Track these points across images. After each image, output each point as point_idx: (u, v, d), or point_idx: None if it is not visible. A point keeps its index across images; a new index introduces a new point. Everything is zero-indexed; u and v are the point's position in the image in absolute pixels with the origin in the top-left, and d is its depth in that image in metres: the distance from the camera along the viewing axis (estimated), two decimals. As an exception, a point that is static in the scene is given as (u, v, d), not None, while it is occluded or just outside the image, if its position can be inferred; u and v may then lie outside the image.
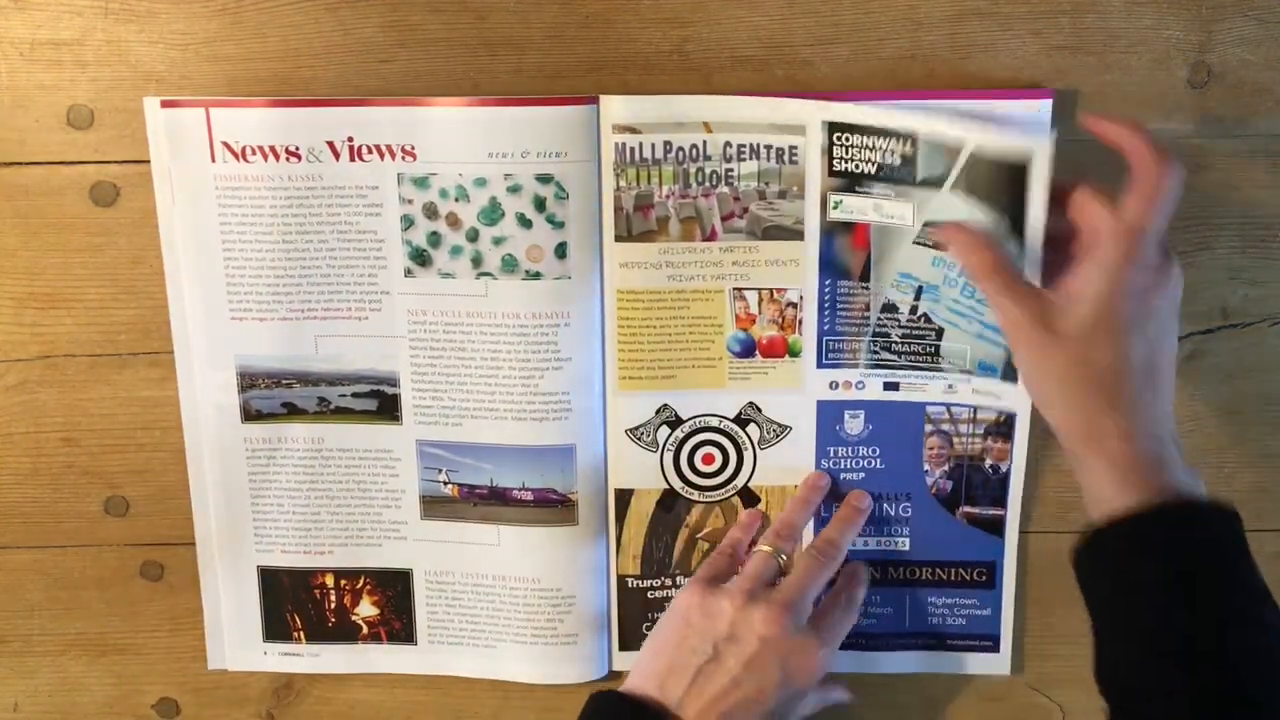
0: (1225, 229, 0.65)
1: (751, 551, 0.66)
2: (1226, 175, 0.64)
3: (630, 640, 0.72)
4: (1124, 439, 0.55)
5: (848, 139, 0.62)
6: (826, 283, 0.66)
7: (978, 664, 0.72)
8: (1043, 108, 0.62)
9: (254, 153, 0.64)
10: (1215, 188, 0.64)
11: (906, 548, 0.70)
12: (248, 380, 0.68)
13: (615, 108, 0.63)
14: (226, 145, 0.64)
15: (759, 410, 0.69)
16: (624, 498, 0.70)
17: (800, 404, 0.68)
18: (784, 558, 0.65)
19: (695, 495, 0.70)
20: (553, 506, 0.69)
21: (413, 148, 0.64)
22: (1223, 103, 0.63)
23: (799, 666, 0.60)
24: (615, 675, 0.73)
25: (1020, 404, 0.66)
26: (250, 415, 0.69)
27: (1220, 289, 0.66)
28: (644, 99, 0.63)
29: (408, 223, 0.65)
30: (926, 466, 0.69)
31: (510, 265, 0.65)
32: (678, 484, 0.70)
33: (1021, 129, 0.61)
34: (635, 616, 0.72)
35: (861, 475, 0.69)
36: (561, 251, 0.65)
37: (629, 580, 0.72)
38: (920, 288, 0.65)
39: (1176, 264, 0.58)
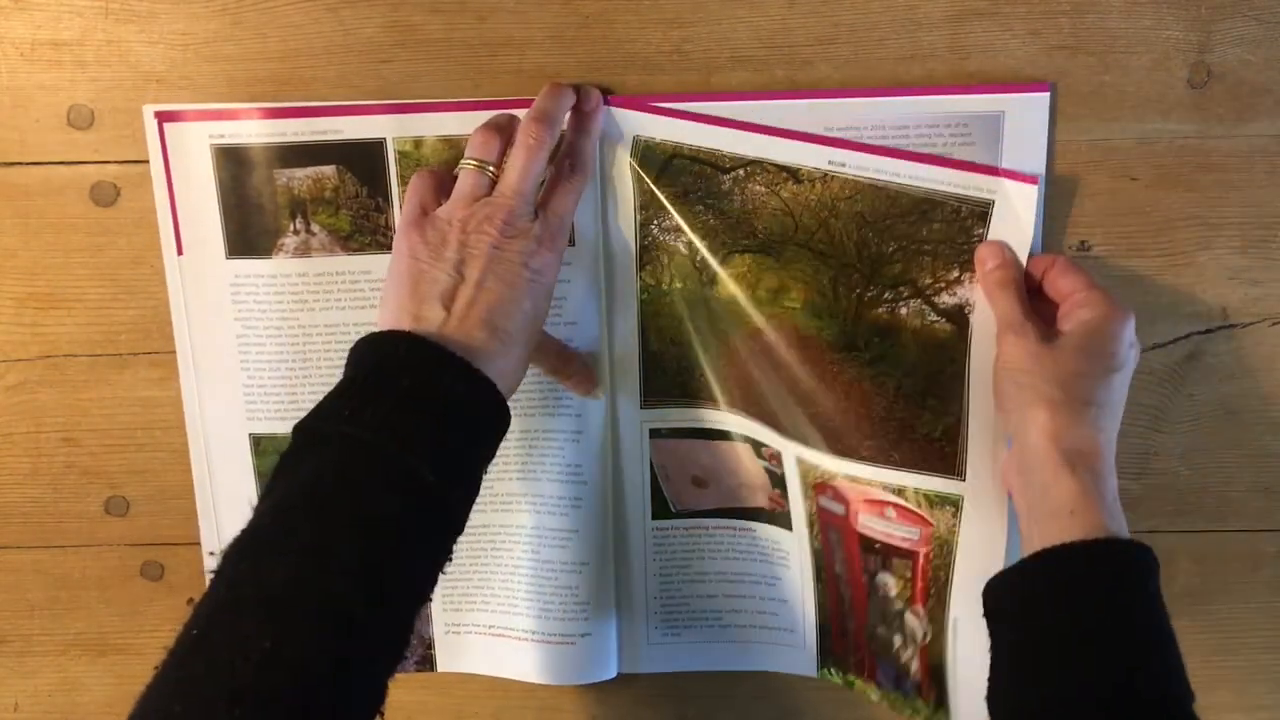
0: (1225, 229, 0.65)
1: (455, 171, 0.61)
2: (1226, 175, 0.64)
3: None
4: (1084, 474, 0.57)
5: None
6: None
7: None
8: (1039, 102, 0.62)
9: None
10: (1215, 188, 0.64)
11: None
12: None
13: None
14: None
15: None
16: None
17: None
18: (491, 169, 0.60)
19: None
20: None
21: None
22: (1223, 103, 0.63)
23: (539, 255, 0.59)
24: (622, 677, 0.73)
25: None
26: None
27: (1220, 289, 0.66)
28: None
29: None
30: None
31: None
32: None
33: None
34: None
35: None
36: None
37: None
38: None
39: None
